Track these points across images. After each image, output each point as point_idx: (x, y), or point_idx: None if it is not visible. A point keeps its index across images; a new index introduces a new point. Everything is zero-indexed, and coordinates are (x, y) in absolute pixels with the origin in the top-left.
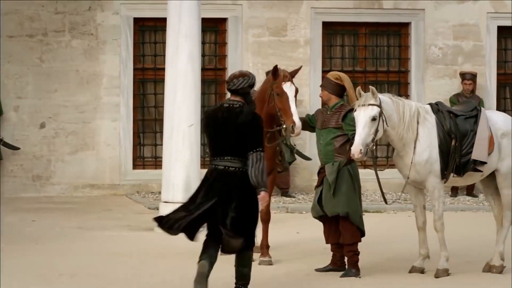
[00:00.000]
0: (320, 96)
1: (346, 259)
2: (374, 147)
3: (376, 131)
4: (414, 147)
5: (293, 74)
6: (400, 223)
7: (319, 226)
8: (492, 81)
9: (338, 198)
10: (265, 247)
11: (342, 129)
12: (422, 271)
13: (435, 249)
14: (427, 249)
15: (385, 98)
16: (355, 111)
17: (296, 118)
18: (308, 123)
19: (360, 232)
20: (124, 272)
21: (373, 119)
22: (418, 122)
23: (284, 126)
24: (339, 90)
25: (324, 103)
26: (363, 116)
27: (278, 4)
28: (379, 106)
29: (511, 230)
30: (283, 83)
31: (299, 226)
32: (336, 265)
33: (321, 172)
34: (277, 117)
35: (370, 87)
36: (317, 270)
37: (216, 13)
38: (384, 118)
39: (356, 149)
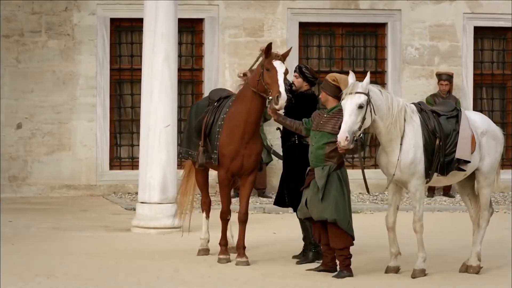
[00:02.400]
0: (319, 98)
1: (338, 262)
2: (361, 135)
3: (364, 119)
4: (401, 144)
5: (284, 55)
6: (377, 223)
7: (295, 226)
8: (468, 81)
9: (327, 203)
10: (241, 247)
11: (337, 135)
12: (397, 270)
13: (413, 250)
14: (397, 246)
15: (374, 88)
16: (342, 99)
17: (281, 89)
18: (305, 126)
19: (351, 236)
20: (100, 272)
21: (360, 106)
22: (405, 120)
23: (270, 97)
24: (337, 92)
25: (322, 105)
26: (349, 104)
27: (255, 4)
28: (367, 94)
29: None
30: (274, 60)
31: (276, 226)
32: (327, 266)
33: (309, 174)
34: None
35: (368, 72)
36: (309, 270)
37: (193, 14)
38: (372, 107)
39: (342, 136)
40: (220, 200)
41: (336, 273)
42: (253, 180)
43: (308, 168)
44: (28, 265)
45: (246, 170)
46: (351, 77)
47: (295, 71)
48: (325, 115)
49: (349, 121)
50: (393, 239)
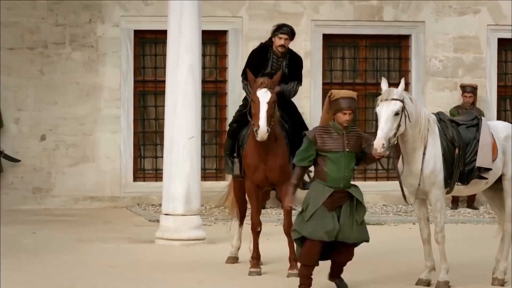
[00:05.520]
0: (345, 120)
1: (337, 273)
2: (396, 142)
3: (399, 126)
4: (424, 154)
5: (274, 81)
6: (401, 235)
7: None
8: (492, 93)
9: (363, 224)
10: (293, 259)
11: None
12: (428, 283)
13: (435, 261)
14: (433, 261)
15: (407, 95)
16: (377, 106)
17: (261, 122)
18: (308, 162)
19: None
20: (122, 284)
21: (396, 114)
22: (428, 129)
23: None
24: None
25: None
26: (385, 110)
27: (278, 16)
28: (402, 101)
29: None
30: (258, 89)
31: None
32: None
33: (334, 196)
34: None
35: (403, 79)
36: (332, 279)
37: (217, 26)
38: (406, 114)
39: (379, 143)
40: (251, 211)
41: (343, 283)
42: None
43: (333, 190)
44: (51, 276)
45: (274, 183)
46: (384, 83)
47: (286, 34)
48: (345, 135)
49: (385, 128)
50: (428, 252)
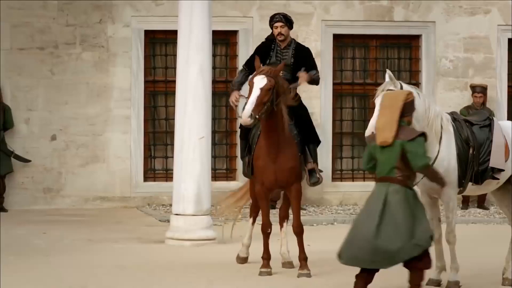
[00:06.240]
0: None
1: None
2: None
3: None
4: (438, 151)
5: (277, 70)
6: None
7: (329, 238)
8: (503, 93)
9: None
10: (303, 259)
11: None
12: (438, 283)
13: (446, 261)
14: (444, 261)
15: (412, 89)
16: (376, 96)
17: (247, 106)
18: None
19: None
20: (133, 285)
21: None
22: (442, 127)
23: None
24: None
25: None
26: (377, 100)
27: None
28: None
29: None
30: (256, 76)
31: (310, 238)
32: None
33: None
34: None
35: (388, 71)
36: None
37: (227, 26)
38: None
39: (368, 132)
40: (261, 213)
41: None
42: (297, 192)
43: None
44: (61, 277)
45: (283, 184)
46: (388, 75)
47: (279, 21)
48: None
49: (375, 117)
50: (439, 252)
